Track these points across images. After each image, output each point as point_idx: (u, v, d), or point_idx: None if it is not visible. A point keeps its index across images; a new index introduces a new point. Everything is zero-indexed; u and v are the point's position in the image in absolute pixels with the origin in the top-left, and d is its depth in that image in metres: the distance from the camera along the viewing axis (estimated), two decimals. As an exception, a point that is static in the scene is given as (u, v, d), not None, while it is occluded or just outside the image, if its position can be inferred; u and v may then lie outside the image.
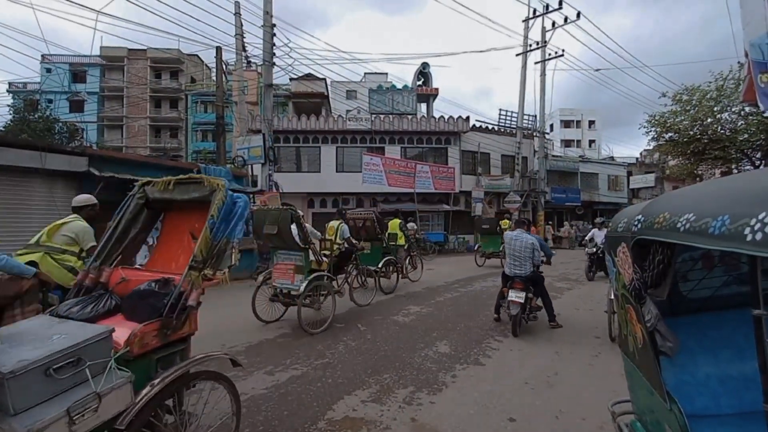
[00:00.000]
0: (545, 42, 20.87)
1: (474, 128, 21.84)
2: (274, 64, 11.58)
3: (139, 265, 3.16)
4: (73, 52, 28.78)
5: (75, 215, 3.54)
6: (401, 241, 9.17)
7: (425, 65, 26.82)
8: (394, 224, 9.32)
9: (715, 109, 16.24)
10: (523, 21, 20.92)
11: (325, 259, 5.59)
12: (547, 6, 19.89)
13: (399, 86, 25.87)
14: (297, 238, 5.25)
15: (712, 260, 1.98)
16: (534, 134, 22.96)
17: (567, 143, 47.30)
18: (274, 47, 11.48)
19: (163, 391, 1.96)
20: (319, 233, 6.64)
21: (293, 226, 5.18)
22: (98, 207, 3.73)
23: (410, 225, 11.92)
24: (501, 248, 11.56)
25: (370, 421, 2.96)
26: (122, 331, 1.96)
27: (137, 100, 34.73)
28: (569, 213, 26.79)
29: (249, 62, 16.04)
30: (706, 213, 1.03)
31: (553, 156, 27.14)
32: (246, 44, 13.85)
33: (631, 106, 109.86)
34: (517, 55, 21.31)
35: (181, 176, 2.66)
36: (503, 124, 22.86)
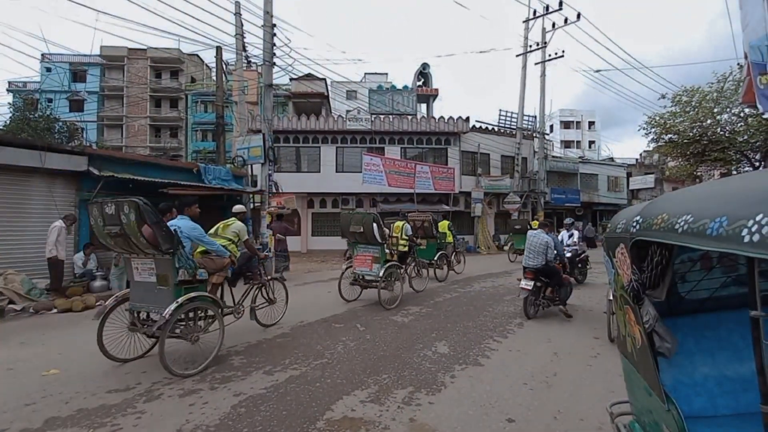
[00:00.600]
0: (545, 43, 20.88)
1: (474, 129, 21.83)
2: (274, 64, 11.56)
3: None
4: (73, 52, 28.76)
5: (233, 218, 5.12)
6: (450, 239, 10.90)
7: (425, 66, 26.81)
8: (443, 225, 10.97)
9: (715, 110, 16.25)
10: (524, 22, 20.94)
11: (395, 252, 7.54)
12: (548, 7, 19.89)
13: (399, 86, 25.89)
14: (377, 236, 6.62)
15: (711, 261, 1.98)
16: (534, 135, 22.96)
17: (567, 144, 47.39)
18: (275, 47, 11.47)
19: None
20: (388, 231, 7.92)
21: (375, 226, 6.59)
22: (247, 213, 4.78)
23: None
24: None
25: (369, 421, 2.96)
26: None
27: (137, 100, 34.69)
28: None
29: (249, 62, 16.03)
30: (704, 214, 1.03)
31: (553, 157, 27.16)
32: (246, 44, 13.84)
33: (631, 108, 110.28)
34: (517, 56, 21.33)
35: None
36: (503, 125, 22.88)
